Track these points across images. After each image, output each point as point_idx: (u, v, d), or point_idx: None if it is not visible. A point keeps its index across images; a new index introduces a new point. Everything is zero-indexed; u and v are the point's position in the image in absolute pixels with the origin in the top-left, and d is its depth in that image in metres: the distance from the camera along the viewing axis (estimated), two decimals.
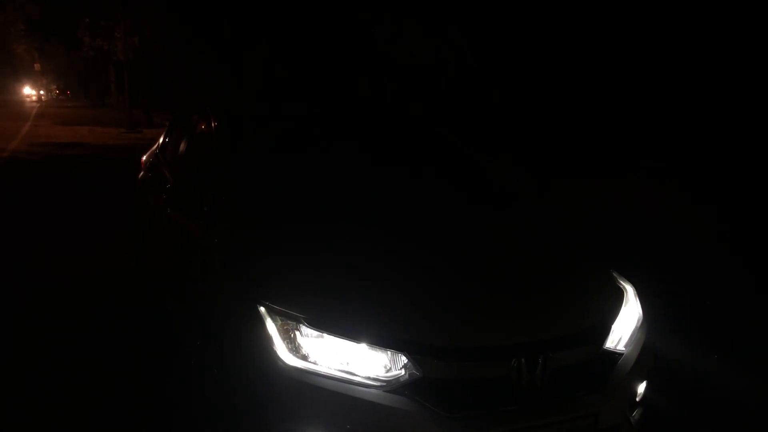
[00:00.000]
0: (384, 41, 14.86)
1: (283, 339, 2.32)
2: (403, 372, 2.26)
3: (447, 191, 3.47)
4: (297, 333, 2.31)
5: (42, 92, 69.19)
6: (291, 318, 2.33)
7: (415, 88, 14.07)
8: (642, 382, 2.64)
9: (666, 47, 9.18)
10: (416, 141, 3.90)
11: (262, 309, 2.37)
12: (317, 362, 2.28)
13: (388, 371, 2.27)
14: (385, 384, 2.25)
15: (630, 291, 2.82)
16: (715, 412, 3.37)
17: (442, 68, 14.06)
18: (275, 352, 2.30)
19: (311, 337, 2.30)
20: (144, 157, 5.22)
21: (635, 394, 2.61)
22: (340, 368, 2.27)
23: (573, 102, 10.72)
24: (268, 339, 2.32)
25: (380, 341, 2.27)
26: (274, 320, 2.35)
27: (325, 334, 2.29)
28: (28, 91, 69.58)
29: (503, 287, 2.59)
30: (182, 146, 4.08)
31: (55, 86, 72.87)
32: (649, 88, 9.53)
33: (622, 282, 2.87)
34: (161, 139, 4.92)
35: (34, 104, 50.08)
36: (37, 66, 60.95)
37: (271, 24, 19.18)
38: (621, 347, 2.60)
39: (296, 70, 18.32)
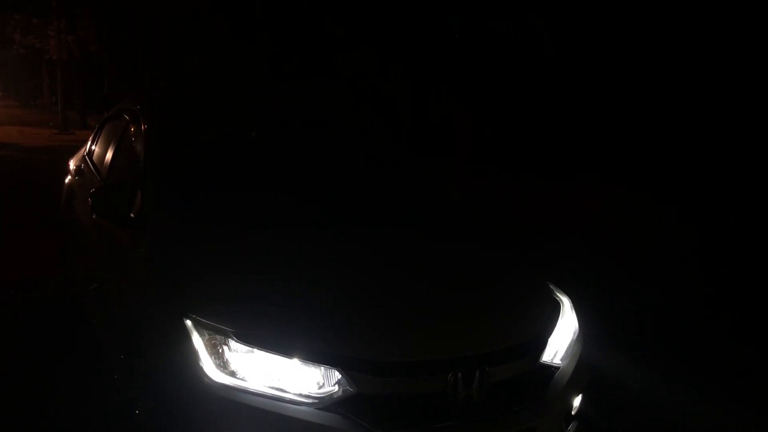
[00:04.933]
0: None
1: (211, 354, 2.21)
2: (336, 388, 2.18)
3: (385, 197, 3.41)
4: (225, 348, 2.21)
5: None
6: (219, 332, 2.22)
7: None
8: (578, 395, 2.64)
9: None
10: (355, 145, 3.82)
11: (189, 322, 2.26)
12: (246, 379, 2.18)
13: (321, 388, 2.19)
14: (317, 401, 2.17)
15: (566, 303, 2.82)
16: (650, 426, 3.40)
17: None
18: (201, 368, 2.19)
19: (240, 352, 2.21)
20: (71, 161, 4.97)
21: (571, 407, 2.60)
22: (271, 385, 2.18)
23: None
24: (194, 354, 2.21)
25: (313, 356, 2.19)
26: (200, 334, 2.24)
27: (254, 349, 2.20)
28: None
29: (439, 301, 2.54)
30: (111, 149, 3.89)
31: None
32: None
33: (558, 294, 2.86)
34: (89, 142, 4.70)
35: None
36: None
37: (212, 29, 18.95)
38: (557, 361, 2.59)
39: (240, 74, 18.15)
